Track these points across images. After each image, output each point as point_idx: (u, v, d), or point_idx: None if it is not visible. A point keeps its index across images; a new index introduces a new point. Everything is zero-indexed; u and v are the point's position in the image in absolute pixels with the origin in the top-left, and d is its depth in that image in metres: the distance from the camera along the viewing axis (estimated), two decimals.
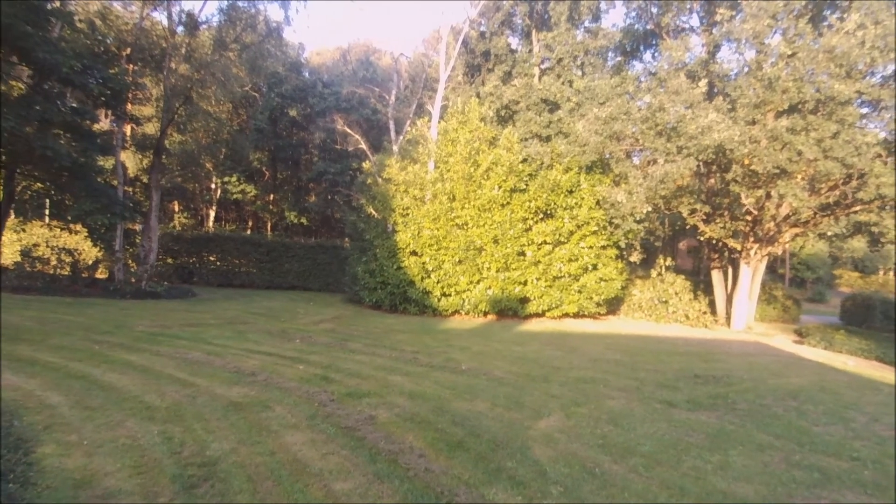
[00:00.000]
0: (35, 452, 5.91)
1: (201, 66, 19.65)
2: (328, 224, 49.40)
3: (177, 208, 45.11)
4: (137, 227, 23.97)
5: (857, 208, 19.93)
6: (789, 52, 16.35)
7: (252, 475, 5.70)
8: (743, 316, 23.68)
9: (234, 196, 43.61)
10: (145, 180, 31.67)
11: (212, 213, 45.17)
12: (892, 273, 65.48)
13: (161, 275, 24.43)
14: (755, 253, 22.64)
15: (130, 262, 24.31)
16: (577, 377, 11.08)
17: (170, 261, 28.04)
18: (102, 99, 17.85)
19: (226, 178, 41.69)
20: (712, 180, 23.77)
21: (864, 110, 18.15)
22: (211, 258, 28.64)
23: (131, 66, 21.65)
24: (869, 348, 18.94)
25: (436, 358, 12.29)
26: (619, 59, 25.67)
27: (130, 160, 30.50)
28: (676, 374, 11.85)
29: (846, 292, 54.52)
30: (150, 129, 26.79)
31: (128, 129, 25.39)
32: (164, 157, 23.81)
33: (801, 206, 17.27)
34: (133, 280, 20.61)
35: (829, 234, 28.52)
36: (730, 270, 25.33)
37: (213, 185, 43.33)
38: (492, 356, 12.94)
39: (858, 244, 59.99)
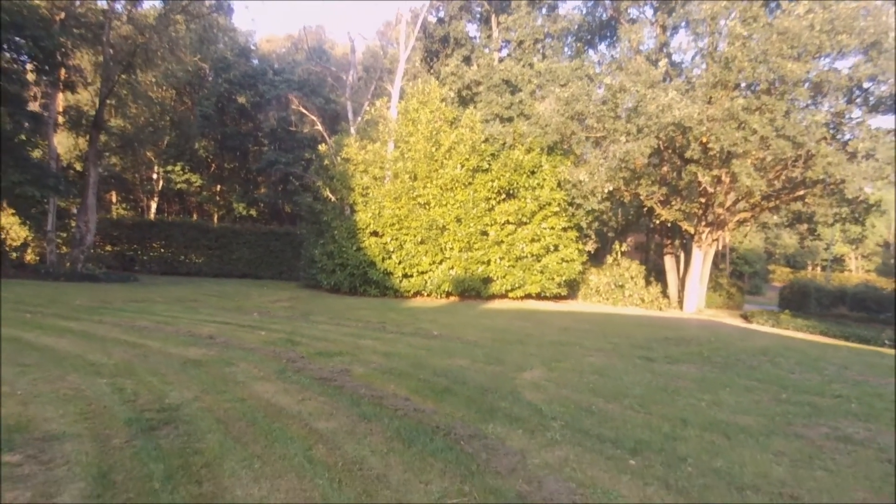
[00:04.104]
0: None
1: (145, 28, 18.19)
2: (279, 217, 47.71)
3: (114, 199, 42.38)
4: (72, 210, 22.19)
5: (802, 192, 20.79)
6: (745, 34, 16.83)
7: (221, 418, 5.06)
8: (694, 299, 24.27)
9: (178, 186, 41.36)
10: (79, 168, 29.46)
11: (153, 205, 42.70)
12: (819, 269, 69.93)
13: (99, 261, 22.69)
14: (706, 237, 23.28)
15: (64, 247, 22.49)
16: (552, 341, 10.85)
17: (108, 248, 26.15)
18: (34, 62, 16.28)
19: (169, 167, 39.48)
20: (665, 168, 24.34)
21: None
22: (154, 245, 26.90)
23: (66, 40, 19.93)
24: (813, 325, 19.81)
25: (405, 327, 11.80)
26: (577, 45, 25.92)
27: (63, 143, 28.29)
28: (647, 339, 11.83)
29: (779, 286, 57.70)
30: (85, 99, 24.71)
31: (61, 105, 23.49)
32: (102, 135, 22.06)
33: (753, 186, 17.77)
34: (68, 263, 18.94)
35: (772, 222, 29.90)
36: (681, 258, 26.00)
37: (154, 175, 40.95)
38: (462, 327, 12.55)
39: (790, 241, 63.59)
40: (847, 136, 18.71)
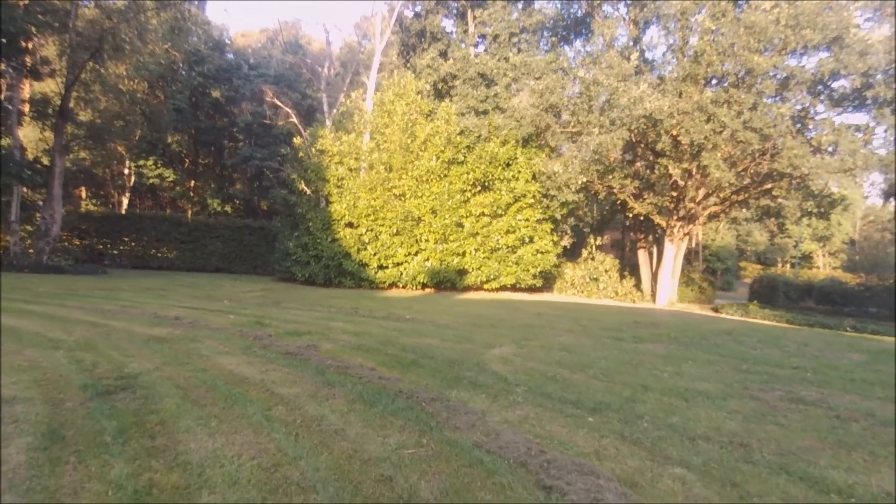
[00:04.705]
0: None
1: (113, 13, 17.76)
2: (254, 213, 47.09)
3: (84, 194, 41.33)
4: (39, 203, 21.57)
5: (769, 185, 21.31)
6: (713, 28, 17.19)
7: (181, 385, 5.00)
8: (667, 292, 24.64)
9: (151, 181, 40.54)
10: (47, 162, 28.62)
11: (125, 200, 41.73)
12: (788, 265, 71.85)
13: (67, 254, 22.09)
14: (678, 230, 23.69)
15: (29, 240, 21.87)
16: (524, 324, 10.94)
17: (77, 242, 25.47)
18: None
19: (141, 162, 38.64)
20: (639, 163, 24.74)
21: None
22: (124, 239, 26.29)
23: (31, 25, 19.36)
24: (780, 315, 20.32)
25: (377, 312, 11.75)
26: (553, 40, 26.13)
27: (30, 137, 27.43)
28: (617, 323, 12.00)
29: (750, 282, 59.10)
30: (52, 90, 23.94)
31: (26, 94, 22.80)
32: (69, 126, 21.45)
33: (722, 178, 18.14)
34: (32, 254, 18.39)
35: (742, 217, 30.58)
36: (654, 253, 26.41)
37: (126, 170, 40.06)
38: (435, 313, 12.55)
39: (761, 238, 65.08)
40: (813, 133, 19.24)
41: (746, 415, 4.87)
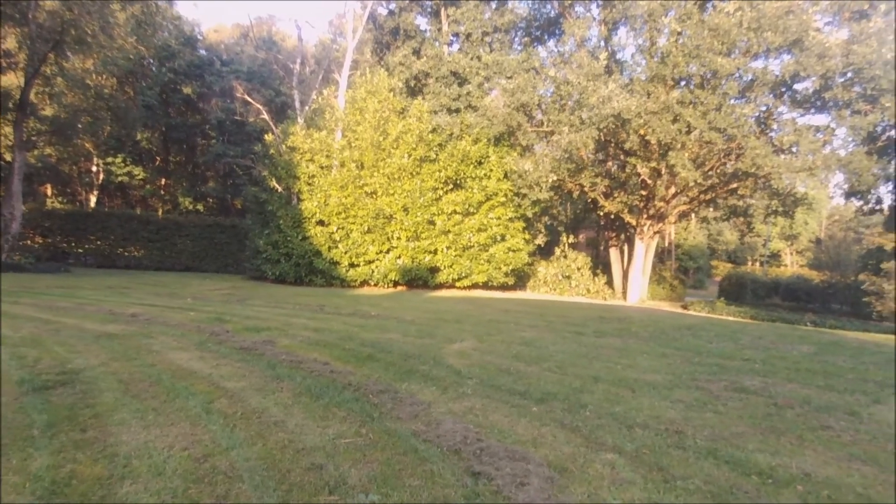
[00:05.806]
0: None
1: (74, 4, 17.27)
2: (227, 212, 46.44)
3: (50, 192, 40.21)
4: None
5: (735, 185, 21.78)
6: (679, 30, 17.51)
7: (124, 380, 4.92)
8: (637, 290, 25.01)
9: (120, 179, 39.65)
10: (9, 158, 27.76)
11: (93, 198, 40.73)
12: (758, 264, 73.64)
13: (28, 251, 21.49)
14: (648, 229, 24.07)
15: None
16: (490, 320, 10.99)
17: (39, 240, 24.79)
18: None
19: (109, 159, 37.74)
20: (610, 163, 25.07)
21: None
22: (90, 237, 25.65)
23: None
24: (745, 311, 20.80)
25: (344, 309, 11.69)
26: (526, 39, 26.32)
27: None
28: (583, 319, 12.14)
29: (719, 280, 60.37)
30: (14, 85, 23.26)
31: None
32: (32, 120, 20.89)
33: (688, 177, 18.48)
34: None
35: (710, 216, 31.26)
36: (625, 251, 26.80)
37: (94, 167, 39.10)
38: (403, 309, 12.54)
39: (732, 237, 66.47)
40: (776, 134, 19.72)
41: (688, 403, 4.98)
